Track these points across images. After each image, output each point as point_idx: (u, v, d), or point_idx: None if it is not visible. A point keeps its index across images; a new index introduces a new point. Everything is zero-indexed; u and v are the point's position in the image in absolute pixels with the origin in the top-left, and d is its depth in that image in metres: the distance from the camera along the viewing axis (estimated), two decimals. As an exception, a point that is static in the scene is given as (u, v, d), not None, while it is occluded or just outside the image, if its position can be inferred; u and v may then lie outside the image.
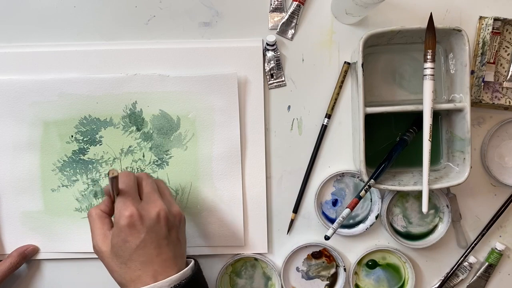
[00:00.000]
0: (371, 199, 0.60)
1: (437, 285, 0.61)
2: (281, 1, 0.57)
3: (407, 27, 0.52)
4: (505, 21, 0.56)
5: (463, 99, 0.53)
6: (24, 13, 0.57)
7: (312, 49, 0.58)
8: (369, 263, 0.61)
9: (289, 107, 0.59)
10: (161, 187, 0.51)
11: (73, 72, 0.57)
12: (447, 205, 0.59)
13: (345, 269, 0.59)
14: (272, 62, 0.58)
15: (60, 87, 0.56)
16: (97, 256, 0.48)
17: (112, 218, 0.49)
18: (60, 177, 0.58)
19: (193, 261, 0.50)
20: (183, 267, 0.48)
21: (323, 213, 0.59)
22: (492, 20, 0.56)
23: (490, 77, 0.57)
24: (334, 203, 0.59)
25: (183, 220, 0.50)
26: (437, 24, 0.51)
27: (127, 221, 0.45)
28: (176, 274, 0.46)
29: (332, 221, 0.59)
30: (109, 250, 0.47)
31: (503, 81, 0.57)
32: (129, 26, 0.58)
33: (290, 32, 0.58)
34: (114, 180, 0.45)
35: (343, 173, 0.59)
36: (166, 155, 0.58)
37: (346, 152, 0.59)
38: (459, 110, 0.53)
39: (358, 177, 0.59)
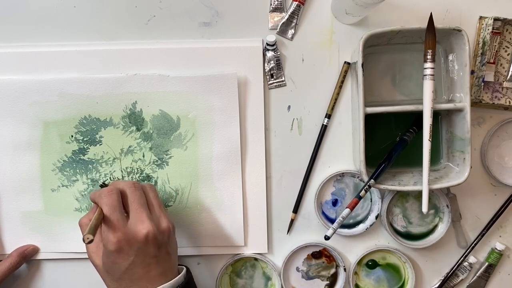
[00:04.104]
0: (371, 199, 0.60)
1: (437, 285, 0.61)
2: (281, 1, 0.57)
3: (407, 27, 0.52)
4: (505, 21, 0.56)
5: (463, 99, 0.53)
6: (24, 13, 0.57)
7: (312, 49, 0.58)
8: (369, 263, 0.61)
9: (289, 107, 0.59)
10: (149, 197, 0.50)
11: (73, 72, 0.57)
12: (447, 205, 0.59)
13: (345, 269, 0.59)
14: (272, 62, 0.58)
15: (60, 87, 0.56)
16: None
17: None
18: (60, 177, 0.58)
19: (185, 269, 0.50)
20: (174, 276, 0.48)
21: (323, 213, 0.59)
22: (492, 20, 0.56)
23: (490, 77, 0.57)
24: (334, 203, 0.59)
25: (173, 231, 0.50)
26: (437, 24, 0.51)
27: (115, 247, 0.45)
28: (169, 282, 0.46)
29: (332, 221, 0.59)
30: (101, 264, 0.47)
31: (503, 81, 0.57)
32: (129, 26, 0.58)
33: (290, 32, 0.58)
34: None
35: (343, 173, 0.59)
36: (166, 155, 0.58)
37: (346, 152, 0.59)
38: (459, 110, 0.53)
39: (358, 177, 0.59)
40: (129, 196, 0.48)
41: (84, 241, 0.42)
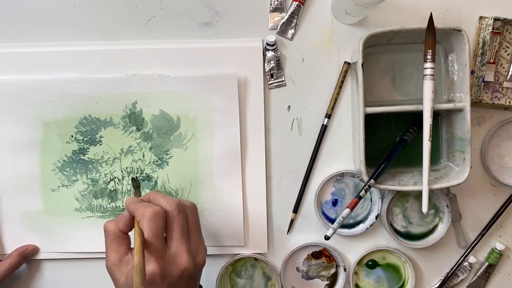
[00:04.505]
0: (371, 199, 0.60)
1: (437, 285, 0.61)
2: (281, 1, 0.57)
3: (407, 27, 0.52)
4: (505, 21, 0.56)
5: (463, 99, 0.53)
6: (24, 13, 0.57)
7: (312, 49, 0.58)
8: (369, 263, 0.61)
9: (289, 107, 0.59)
10: (191, 222, 0.47)
11: (73, 72, 0.57)
12: (447, 205, 0.59)
13: (345, 269, 0.59)
14: (272, 62, 0.58)
15: (60, 87, 0.56)
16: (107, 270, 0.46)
17: (132, 239, 0.46)
18: (60, 177, 0.58)
19: None
20: None
21: (323, 213, 0.59)
22: (492, 20, 0.56)
23: (490, 77, 0.57)
24: (334, 203, 0.59)
25: (205, 263, 0.47)
26: (437, 24, 0.51)
27: (148, 278, 0.42)
28: None
29: (332, 221, 0.59)
30: (124, 281, 0.44)
31: (503, 81, 0.57)
32: (129, 26, 0.58)
33: (290, 32, 0.58)
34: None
35: (343, 173, 0.59)
36: (166, 155, 0.58)
37: (346, 152, 0.59)
38: (459, 110, 0.53)
39: (358, 177, 0.59)
40: (172, 222, 0.44)
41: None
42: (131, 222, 0.46)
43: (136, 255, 0.40)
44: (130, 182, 0.57)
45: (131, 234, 0.46)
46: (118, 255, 0.44)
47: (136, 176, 0.57)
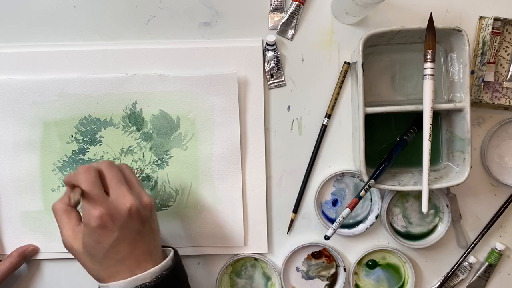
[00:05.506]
0: (371, 199, 0.60)
1: (437, 285, 0.61)
2: (281, 1, 0.57)
3: (407, 27, 0.52)
4: (505, 21, 0.56)
5: (463, 99, 0.53)
6: (24, 13, 0.57)
7: (312, 49, 0.58)
8: (369, 263, 0.61)
9: (289, 107, 0.59)
10: (127, 175, 0.48)
11: (73, 72, 0.57)
12: (447, 205, 0.59)
13: (345, 269, 0.59)
14: (272, 62, 0.58)
15: (60, 87, 0.56)
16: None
17: (78, 209, 0.47)
18: (60, 177, 0.58)
19: (172, 251, 0.49)
20: (160, 256, 0.47)
21: (323, 213, 0.59)
22: (492, 20, 0.56)
23: (490, 77, 0.57)
24: (334, 203, 0.59)
25: (154, 208, 0.48)
26: (437, 24, 0.51)
27: (98, 222, 0.43)
28: (157, 266, 0.45)
29: (332, 221, 0.59)
30: (81, 248, 0.45)
31: (503, 81, 0.57)
32: (129, 26, 0.58)
33: (290, 32, 0.58)
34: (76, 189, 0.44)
35: (343, 173, 0.59)
36: (166, 155, 0.58)
37: (346, 152, 0.59)
38: (459, 110, 0.53)
39: (358, 177, 0.59)
40: (107, 174, 0.46)
41: (69, 202, 0.42)
42: None
43: (73, 195, 0.43)
44: None
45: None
46: (70, 226, 0.46)
47: None
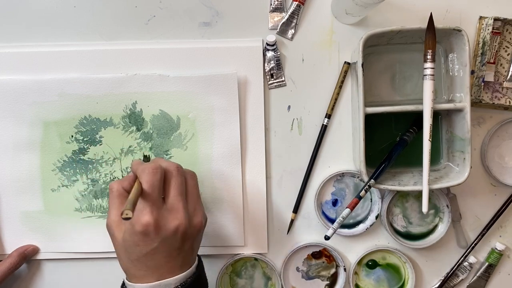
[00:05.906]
0: (371, 199, 0.60)
1: (437, 285, 0.61)
2: (281, 1, 0.57)
3: (407, 27, 0.52)
4: (505, 21, 0.56)
5: (463, 99, 0.53)
6: (24, 13, 0.57)
7: (312, 49, 0.58)
8: (369, 263, 0.61)
9: (289, 107, 0.59)
10: (190, 185, 0.48)
11: (73, 72, 0.57)
12: (447, 205, 0.59)
13: (345, 269, 0.59)
14: (272, 62, 0.58)
15: (60, 87, 0.56)
16: (108, 233, 0.47)
17: None
18: (60, 177, 0.58)
19: (197, 260, 0.49)
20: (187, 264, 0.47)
21: (323, 213, 0.59)
22: (492, 20, 0.56)
23: (490, 77, 0.57)
24: (334, 203, 0.59)
25: (203, 228, 0.48)
26: (437, 24, 0.51)
27: (142, 229, 0.43)
28: (183, 273, 0.45)
29: (332, 221, 0.59)
30: (121, 240, 0.45)
31: (503, 81, 0.57)
32: (129, 26, 0.58)
33: (290, 32, 0.58)
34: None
35: (343, 173, 0.59)
36: (166, 155, 0.58)
37: (346, 152, 0.59)
38: (459, 110, 0.53)
39: (358, 177, 0.59)
40: (171, 180, 0.46)
41: (121, 215, 0.40)
42: (135, 181, 0.46)
43: (131, 194, 0.42)
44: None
45: None
46: (118, 212, 0.46)
47: (148, 154, 0.57)
